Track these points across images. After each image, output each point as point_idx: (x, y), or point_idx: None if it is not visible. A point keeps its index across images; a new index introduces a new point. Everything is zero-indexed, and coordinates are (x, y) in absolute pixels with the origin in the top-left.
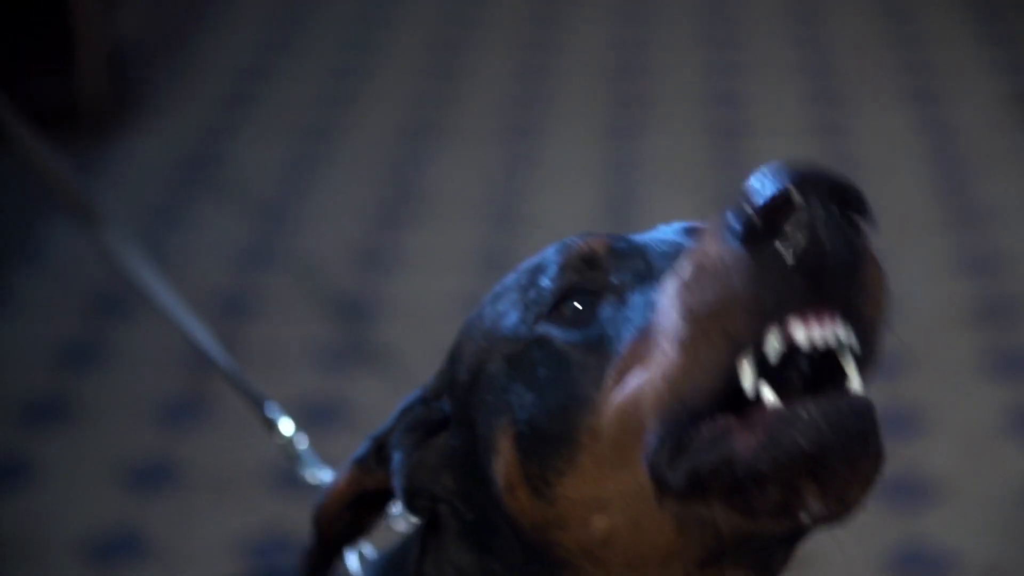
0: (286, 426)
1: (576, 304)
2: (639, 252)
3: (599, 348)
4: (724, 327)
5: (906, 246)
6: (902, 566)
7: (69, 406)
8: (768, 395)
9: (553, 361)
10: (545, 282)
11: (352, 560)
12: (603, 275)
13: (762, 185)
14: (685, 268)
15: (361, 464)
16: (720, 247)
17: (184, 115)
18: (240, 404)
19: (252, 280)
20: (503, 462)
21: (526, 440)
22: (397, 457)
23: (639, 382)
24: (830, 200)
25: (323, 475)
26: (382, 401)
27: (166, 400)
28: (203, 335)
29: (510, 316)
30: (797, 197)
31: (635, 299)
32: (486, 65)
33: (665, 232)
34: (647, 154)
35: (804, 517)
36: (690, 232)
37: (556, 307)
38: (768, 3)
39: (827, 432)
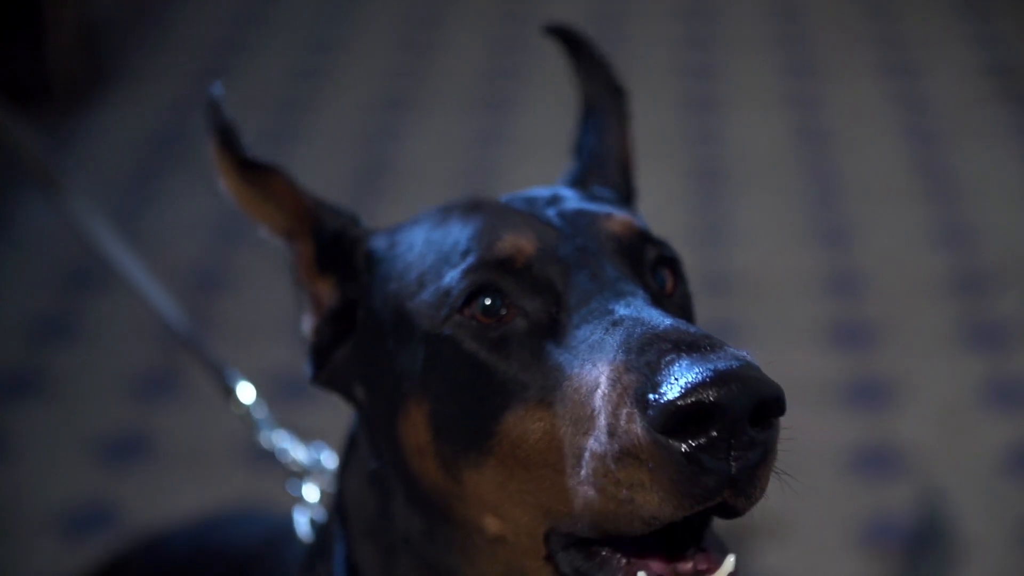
0: (245, 394)
1: (487, 302)
2: (554, 259)
3: (507, 380)
4: (627, 491)
5: (881, 218)
6: (876, 537)
7: (42, 380)
8: None
9: (465, 368)
10: (459, 273)
11: (303, 522)
12: (518, 286)
13: (686, 374)
14: (599, 396)
15: (325, 207)
16: (633, 410)
17: (157, 89)
18: (213, 376)
19: (225, 253)
20: (415, 430)
21: (441, 427)
22: (320, 331)
23: (549, 459)
24: (749, 412)
25: (280, 440)
26: None
27: (139, 374)
28: (166, 304)
29: (427, 289)
30: (719, 412)
31: (549, 346)
32: (459, 39)
33: (566, 201)
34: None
35: None
36: (587, 215)
37: (467, 303)
38: None
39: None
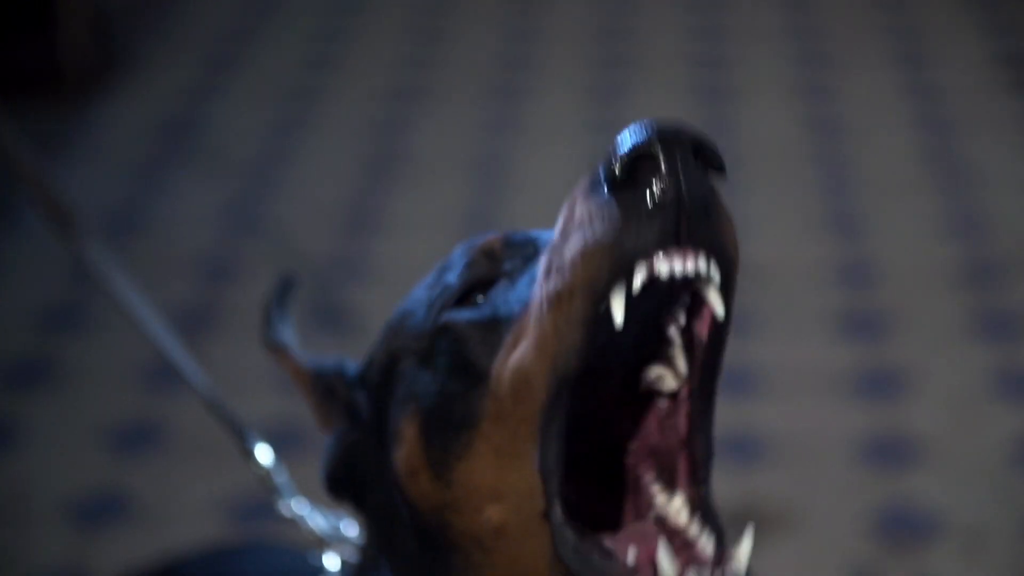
0: (264, 455)
1: (480, 296)
2: (531, 240)
3: (493, 327)
4: (588, 276)
5: (892, 207)
6: (887, 528)
7: (53, 369)
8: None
9: (454, 346)
10: (451, 278)
11: (332, 564)
12: (499, 264)
13: (625, 139)
14: (556, 230)
15: (316, 378)
16: (585, 200)
17: (167, 78)
18: (222, 367)
19: (234, 244)
20: (406, 449)
21: (430, 425)
22: (328, 441)
23: (520, 354)
24: (688, 151)
25: (300, 508)
26: None
27: (150, 362)
28: (181, 356)
29: (417, 314)
30: (656, 147)
31: (523, 279)
32: (471, 27)
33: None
34: (633, 116)
35: None
36: None
37: (461, 300)
38: None
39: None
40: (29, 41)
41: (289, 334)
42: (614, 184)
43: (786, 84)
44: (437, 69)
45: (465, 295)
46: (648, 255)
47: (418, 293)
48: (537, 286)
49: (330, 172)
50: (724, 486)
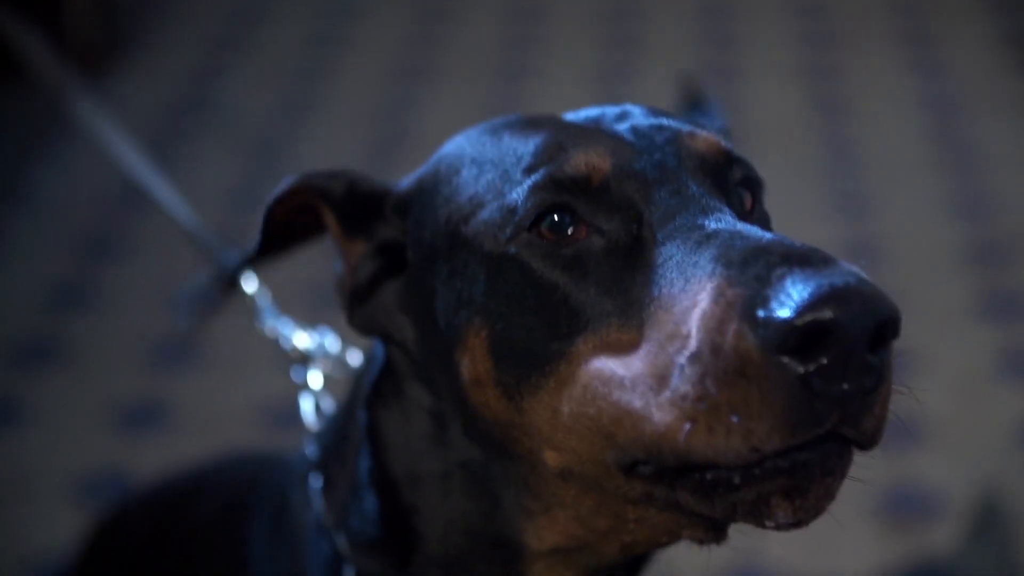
0: (249, 283)
1: (555, 219)
2: (632, 175)
3: (582, 298)
4: (735, 422)
5: (898, 188)
6: (893, 507)
7: (60, 348)
8: None
9: (534, 289)
10: (526, 190)
11: (307, 408)
12: (593, 205)
13: (804, 300)
14: (701, 314)
15: (322, 190)
16: (743, 336)
17: (174, 58)
18: (227, 344)
19: (242, 220)
20: (473, 360)
21: (503, 352)
22: (338, 266)
23: (625, 379)
24: (869, 332)
25: (281, 326)
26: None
27: (155, 341)
28: (173, 202)
29: (488, 207)
30: (837, 337)
31: (631, 265)
32: (477, 7)
33: (648, 123)
34: (640, 96)
35: (768, 524)
36: (672, 130)
37: (536, 222)
38: None
39: (800, 455)
40: (36, 22)
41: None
42: (782, 347)
43: (792, 64)
44: (443, 49)
45: (541, 217)
46: (794, 438)
47: (488, 168)
48: (660, 332)
49: (337, 150)
50: None
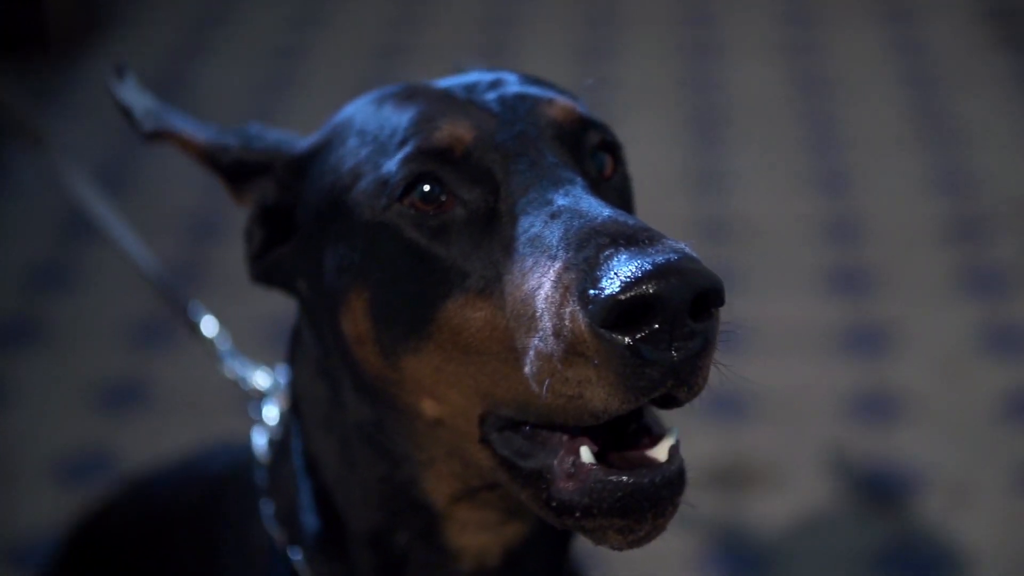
0: (209, 327)
1: (425, 190)
2: (492, 147)
3: (448, 269)
4: (581, 392)
5: (879, 164)
6: (873, 484)
7: (39, 328)
8: (588, 457)
9: (406, 256)
10: (396, 163)
11: (259, 442)
12: (457, 175)
13: (627, 277)
14: (544, 305)
15: (209, 154)
16: (576, 317)
17: (152, 37)
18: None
19: (220, 202)
20: (354, 320)
21: (380, 314)
22: (250, 234)
23: (491, 346)
24: (690, 303)
25: (242, 370)
26: None
27: (136, 322)
28: (139, 248)
29: (365, 178)
30: (659, 309)
31: (489, 235)
32: None
33: (508, 90)
34: (621, 74)
35: (599, 541)
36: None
37: (406, 192)
38: None
39: (633, 498)
40: (14, 1)
41: (158, 110)
42: (606, 322)
43: (773, 41)
44: (424, 27)
45: (411, 186)
46: (631, 401)
47: (367, 140)
48: (517, 299)
49: (316, 129)
50: (711, 442)
